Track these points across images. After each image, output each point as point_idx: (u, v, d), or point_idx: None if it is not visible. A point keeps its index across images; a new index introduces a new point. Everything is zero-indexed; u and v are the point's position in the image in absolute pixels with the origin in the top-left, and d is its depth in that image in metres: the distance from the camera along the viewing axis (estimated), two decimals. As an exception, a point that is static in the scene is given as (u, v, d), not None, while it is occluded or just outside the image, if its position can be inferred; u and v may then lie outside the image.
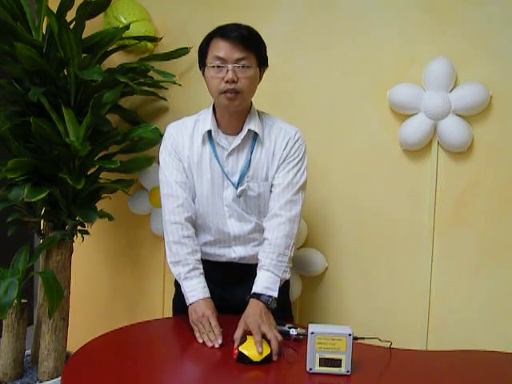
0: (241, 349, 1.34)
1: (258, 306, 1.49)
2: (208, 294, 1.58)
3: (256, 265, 1.66)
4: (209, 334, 1.47)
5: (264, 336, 1.39)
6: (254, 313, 1.47)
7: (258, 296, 1.52)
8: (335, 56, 2.11)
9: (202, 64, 1.59)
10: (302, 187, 1.65)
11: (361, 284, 2.13)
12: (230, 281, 1.70)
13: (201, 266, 1.62)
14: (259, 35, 1.58)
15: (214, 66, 1.52)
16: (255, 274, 1.64)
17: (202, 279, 1.60)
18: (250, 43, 1.53)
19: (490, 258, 1.96)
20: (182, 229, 1.61)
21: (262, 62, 1.59)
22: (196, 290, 1.57)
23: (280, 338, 1.41)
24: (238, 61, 1.51)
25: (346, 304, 2.16)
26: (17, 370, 2.04)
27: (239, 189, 1.62)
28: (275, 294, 1.54)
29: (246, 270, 1.68)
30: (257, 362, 1.32)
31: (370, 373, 1.31)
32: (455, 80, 1.93)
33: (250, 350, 1.33)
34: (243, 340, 1.37)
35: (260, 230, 1.67)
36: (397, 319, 2.07)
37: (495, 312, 1.96)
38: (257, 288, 1.54)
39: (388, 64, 2.03)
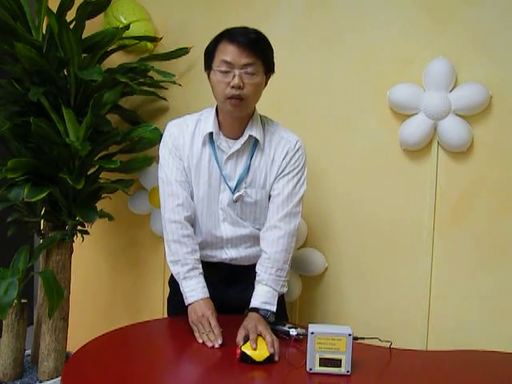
0: (243, 349, 1.34)
1: (256, 316, 1.51)
2: (207, 294, 1.58)
3: (247, 266, 1.68)
4: (208, 335, 1.47)
5: (272, 329, 1.43)
6: (251, 319, 1.48)
7: (256, 310, 1.53)
8: (335, 56, 2.11)
9: (208, 67, 1.56)
10: (302, 198, 1.65)
11: (361, 284, 2.13)
12: (221, 281, 1.70)
13: (200, 266, 1.62)
14: (268, 40, 1.56)
15: (220, 71, 1.50)
16: (247, 275, 1.66)
17: (202, 279, 1.60)
18: (257, 49, 1.50)
19: (489, 258, 1.96)
20: (182, 228, 1.61)
21: (269, 69, 1.57)
22: (195, 289, 1.57)
23: (276, 340, 1.42)
24: (245, 66, 1.48)
25: (345, 304, 2.16)
26: (17, 370, 2.04)
27: (236, 194, 1.61)
28: (273, 309, 1.55)
29: (237, 271, 1.69)
30: (259, 362, 1.32)
31: (369, 373, 1.31)
32: (455, 80, 1.93)
33: (253, 349, 1.34)
34: (246, 340, 1.38)
35: (254, 235, 1.66)
36: (397, 319, 2.07)
37: (495, 312, 1.96)
38: (255, 303, 1.55)
39: (388, 64, 2.03)
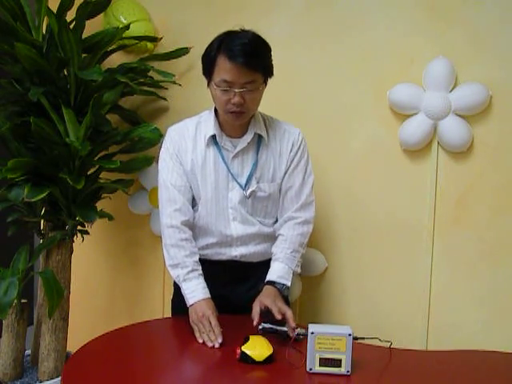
0: (243, 349, 1.34)
1: (273, 290, 1.56)
2: (208, 295, 1.58)
3: (255, 264, 1.70)
4: (209, 334, 1.47)
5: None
6: (268, 294, 1.53)
7: (272, 283, 1.58)
8: (335, 56, 2.11)
9: (208, 76, 1.56)
10: (312, 187, 1.71)
11: (361, 284, 2.13)
12: (230, 279, 1.71)
13: (199, 268, 1.62)
14: (265, 46, 1.54)
15: (221, 89, 1.50)
16: (255, 273, 1.68)
17: (202, 280, 1.60)
18: (256, 65, 1.49)
19: (489, 257, 1.96)
20: (179, 232, 1.62)
21: (269, 75, 1.57)
22: (196, 290, 1.57)
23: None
24: (244, 84, 1.49)
25: (346, 304, 2.15)
26: (17, 369, 2.04)
27: (249, 190, 1.63)
28: (288, 283, 1.61)
29: (246, 268, 1.70)
30: (259, 362, 1.32)
31: (370, 373, 1.31)
32: (455, 80, 1.93)
33: (253, 349, 1.34)
34: (246, 340, 1.37)
35: (262, 233, 1.69)
36: (397, 319, 2.07)
37: (495, 312, 1.96)
38: (271, 276, 1.60)
39: (388, 64, 2.03)
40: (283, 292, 1.58)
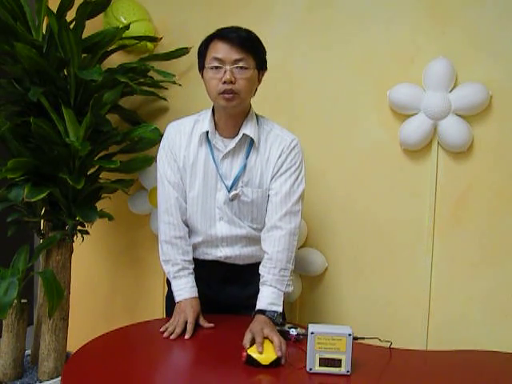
0: (249, 352, 1.33)
1: (263, 319, 1.49)
2: (195, 294, 1.61)
3: (242, 266, 1.69)
4: (175, 327, 1.50)
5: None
6: (258, 322, 1.47)
7: (263, 312, 1.52)
8: (335, 56, 2.11)
9: (201, 66, 1.59)
10: (301, 197, 1.64)
11: (361, 284, 2.13)
12: (216, 280, 1.71)
13: (191, 266, 1.65)
14: (258, 39, 1.58)
15: (212, 67, 1.52)
16: (242, 275, 1.68)
17: (191, 279, 1.63)
18: (248, 45, 1.52)
19: (489, 257, 1.96)
20: (175, 229, 1.65)
21: (261, 65, 1.58)
22: (183, 289, 1.61)
23: (284, 342, 1.40)
24: (235, 61, 1.50)
25: (345, 304, 2.16)
26: (17, 369, 2.04)
27: (232, 193, 1.61)
28: (280, 309, 1.54)
29: (232, 270, 1.70)
30: (265, 366, 1.31)
31: (369, 373, 1.31)
32: (455, 80, 1.94)
33: (259, 352, 1.33)
34: (252, 343, 1.37)
35: (250, 236, 1.66)
36: (397, 319, 2.07)
37: (495, 312, 1.96)
38: (261, 304, 1.54)
39: (388, 64, 2.04)
40: (275, 320, 1.50)
